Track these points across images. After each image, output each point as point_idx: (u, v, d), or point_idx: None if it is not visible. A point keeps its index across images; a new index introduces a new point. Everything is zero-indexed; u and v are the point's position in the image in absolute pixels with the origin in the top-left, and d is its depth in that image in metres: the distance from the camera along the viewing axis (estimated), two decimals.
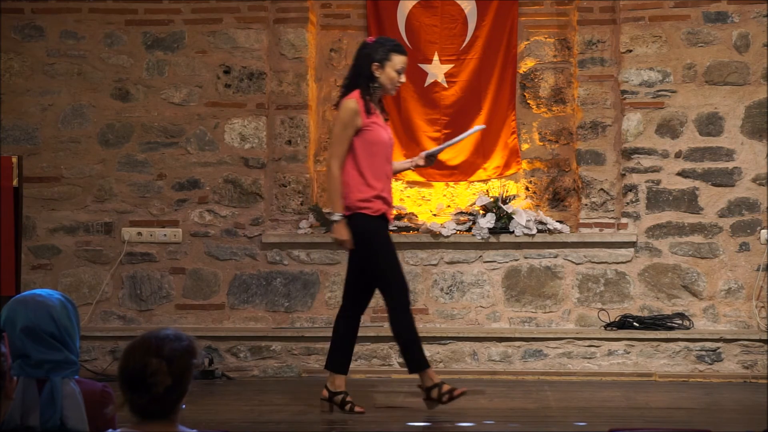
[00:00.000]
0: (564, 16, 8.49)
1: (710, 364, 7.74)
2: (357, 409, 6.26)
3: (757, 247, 8.04)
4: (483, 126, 6.59)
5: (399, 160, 7.19)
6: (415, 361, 6.31)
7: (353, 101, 6.27)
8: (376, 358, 7.86)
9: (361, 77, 6.30)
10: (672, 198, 8.12)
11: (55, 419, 3.40)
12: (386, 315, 8.18)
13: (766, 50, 8.05)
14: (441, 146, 6.88)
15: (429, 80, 8.48)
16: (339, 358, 6.40)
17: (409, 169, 6.87)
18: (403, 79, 6.37)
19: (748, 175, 8.07)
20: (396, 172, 6.72)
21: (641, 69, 8.15)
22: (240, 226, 8.32)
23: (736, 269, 8.06)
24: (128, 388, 2.89)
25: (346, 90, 6.34)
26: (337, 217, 6.23)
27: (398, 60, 6.33)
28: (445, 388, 6.23)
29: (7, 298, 3.64)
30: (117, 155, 8.39)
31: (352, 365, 7.86)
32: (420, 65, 8.48)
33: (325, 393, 6.35)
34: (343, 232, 6.20)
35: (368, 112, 6.29)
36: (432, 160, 6.69)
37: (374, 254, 6.27)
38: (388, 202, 6.36)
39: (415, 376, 6.17)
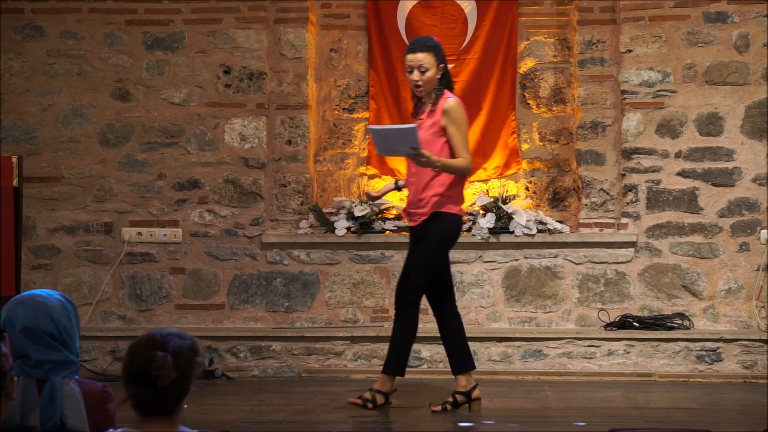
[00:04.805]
0: (564, 16, 8.49)
1: (710, 364, 7.74)
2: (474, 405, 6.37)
3: (757, 247, 8.04)
4: (414, 125, 6.18)
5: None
6: None
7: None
8: (376, 358, 7.85)
9: None
10: (672, 198, 8.12)
11: (55, 419, 3.40)
12: (386, 315, 8.22)
13: (766, 50, 8.05)
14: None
15: None
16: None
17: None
18: (414, 77, 6.25)
19: (748, 175, 8.07)
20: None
21: (641, 69, 8.15)
22: (240, 226, 8.32)
23: (736, 269, 8.06)
24: (132, 383, 2.89)
25: None
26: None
27: (406, 59, 6.34)
28: (367, 395, 6.33)
29: (7, 298, 3.64)
30: (117, 155, 8.39)
31: (353, 365, 7.88)
32: None
33: (461, 398, 6.37)
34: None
35: (414, 114, 6.41)
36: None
37: None
38: (408, 205, 6.44)
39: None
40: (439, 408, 6.31)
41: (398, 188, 6.65)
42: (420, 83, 6.24)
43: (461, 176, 6.31)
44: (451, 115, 6.22)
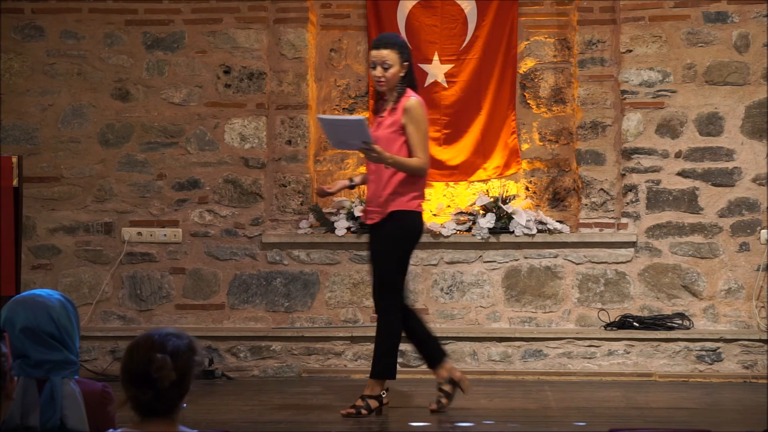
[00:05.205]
0: (564, 16, 8.49)
1: (710, 364, 7.74)
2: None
3: (757, 247, 8.04)
4: (363, 117, 6.26)
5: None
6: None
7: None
8: None
9: None
10: (672, 198, 8.12)
11: (55, 419, 3.40)
12: None
13: (766, 50, 8.05)
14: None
15: (429, 80, 8.48)
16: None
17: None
18: (377, 72, 6.26)
19: (748, 175, 8.07)
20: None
21: (641, 69, 8.15)
22: (240, 226, 8.32)
23: (736, 269, 8.06)
24: (132, 385, 2.89)
25: None
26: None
27: (371, 54, 6.37)
28: (359, 402, 6.30)
29: (7, 298, 3.63)
30: (117, 155, 8.39)
31: (353, 365, 7.88)
32: (420, 65, 8.46)
33: (447, 387, 6.36)
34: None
35: (375, 111, 6.43)
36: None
37: None
38: (367, 203, 6.42)
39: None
40: (435, 407, 6.31)
41: (351, 186, 6.63)
42: (382, 79, 6.25)
43: (418, 176, 6.30)
44: (410, 113, 6.22)
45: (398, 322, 6.29)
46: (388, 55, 6.24)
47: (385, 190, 6.23)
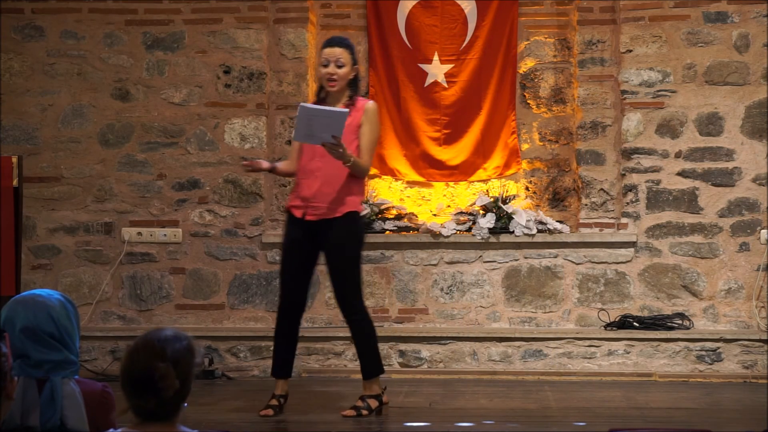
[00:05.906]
0: (564, 16, 8.49)
1: (710, 364, 7.74)
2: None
3: (757, 247, 8.04)
4: (347, 110, 6.18)
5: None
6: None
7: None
8: None
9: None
10: (672, 198, 8.12)
11: (55, 419, 3.40)
12: (386, 315, 8.22)
13: (766, 50, 8.05)
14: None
15: (429, 80, 8.48)
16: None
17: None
18: (330, 69, 6.29)
19: (748, 175, 8.07)
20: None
21: (641, 69, 8.15)
22: (240, 226, 8.32)
23: (736, 269, 8.06)
24: (134, 393, 2.87)
25: None
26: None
27: (323, 53, 6.37)
28: (359, 403, 6.30)
29: (7, 298, 3.63)
30: (117, 155, 8.39)
31: (353, 365, 7.87)
32: (420, 65, 8.47)
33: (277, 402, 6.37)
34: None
35: None
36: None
37: None
38: (298, 197, 6.34)
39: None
40: (271, 412, 6.30)
41: (272, 169, 6.58)
42: (335, 76, 6.29)
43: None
44: (369, 114, 6.31)
45: (370, 318, 6.39)
46: (341, 53, 6.31)
47: (341, 189, 6.25)
